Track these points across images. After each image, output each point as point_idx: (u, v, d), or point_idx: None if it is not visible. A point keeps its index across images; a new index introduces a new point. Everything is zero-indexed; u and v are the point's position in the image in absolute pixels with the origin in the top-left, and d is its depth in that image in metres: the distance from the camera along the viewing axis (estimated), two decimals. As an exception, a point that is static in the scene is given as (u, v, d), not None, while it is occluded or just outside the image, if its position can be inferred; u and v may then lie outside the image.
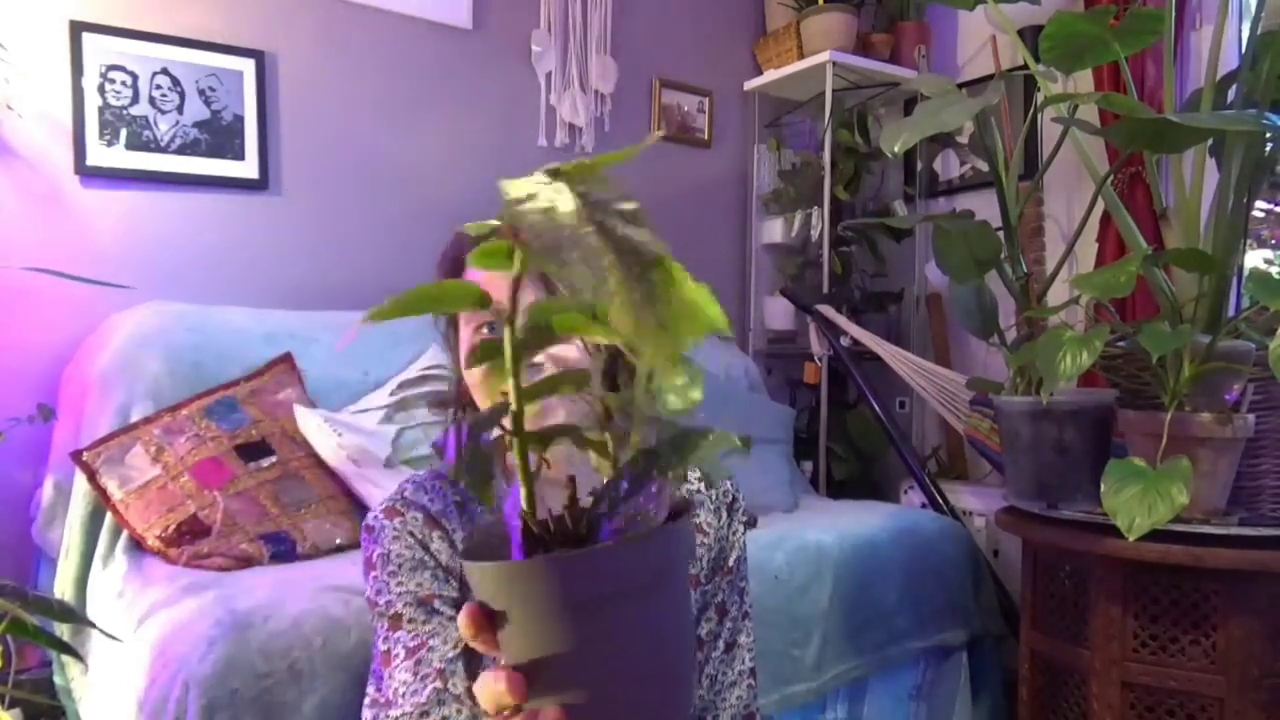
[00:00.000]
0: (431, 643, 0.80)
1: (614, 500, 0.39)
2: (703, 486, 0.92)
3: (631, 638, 0.38)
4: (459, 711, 0.78)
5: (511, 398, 0.38)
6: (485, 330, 0.79)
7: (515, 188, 0.32)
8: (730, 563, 0.92)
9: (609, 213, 0.31)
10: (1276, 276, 1.26)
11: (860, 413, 2.75)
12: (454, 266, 0.85)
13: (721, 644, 0.90)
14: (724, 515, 0.91)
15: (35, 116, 1.84)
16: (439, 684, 0.78)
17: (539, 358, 0.73)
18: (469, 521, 0.85)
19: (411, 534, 0.83)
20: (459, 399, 0.88)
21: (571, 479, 0.41)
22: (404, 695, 0.78)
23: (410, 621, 0.81)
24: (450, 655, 0.80)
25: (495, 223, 0.35)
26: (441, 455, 0.88)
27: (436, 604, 0.82)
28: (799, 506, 2.17)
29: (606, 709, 0.38)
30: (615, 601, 0.37)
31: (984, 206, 2.21)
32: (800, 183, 2.84)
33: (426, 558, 0.83)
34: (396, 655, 0.80)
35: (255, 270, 2.09)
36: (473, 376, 0.79)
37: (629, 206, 0.31)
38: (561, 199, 0.31)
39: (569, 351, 0.76)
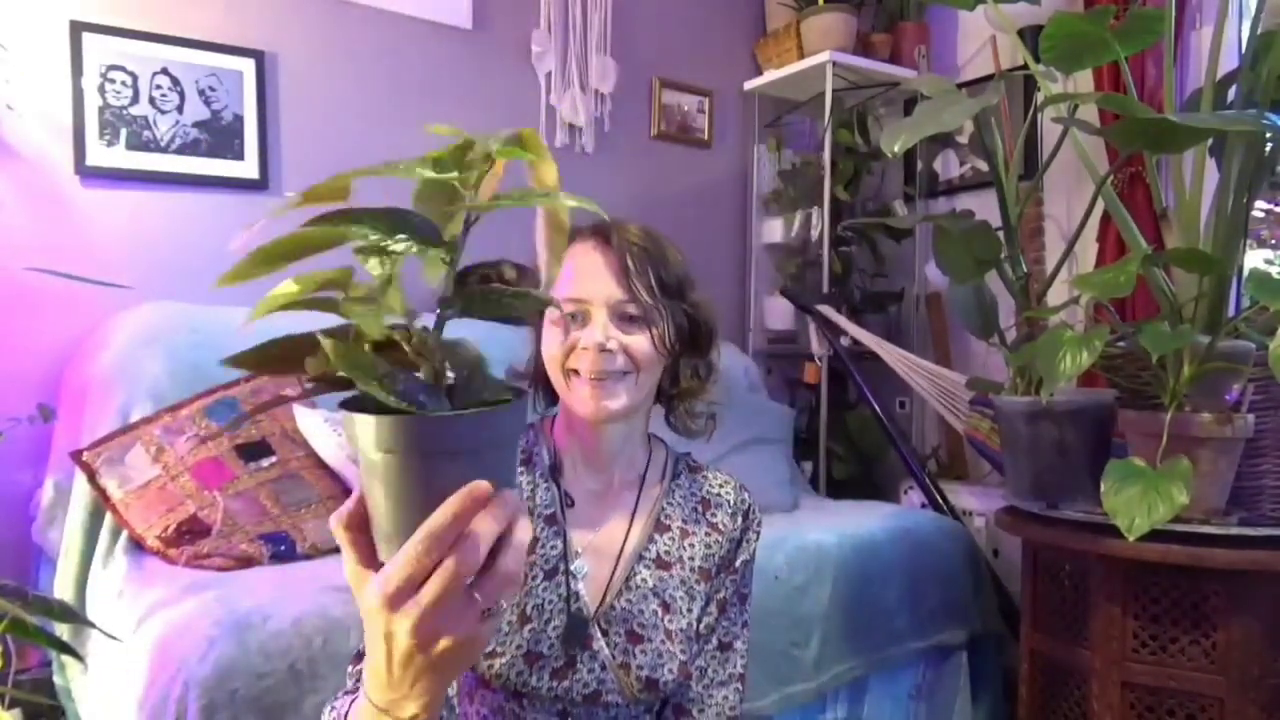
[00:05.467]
0: None
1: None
2: (726, 490, 1.01)
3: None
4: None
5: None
6: (566, 319, 0.93)
7: None
8: (736, 564, 0.98)
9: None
10: (1276, 276, 1.26)
11: (860, 413, 2.75)
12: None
13: (715, 640, 0.96)
14: (739, 520, 0.99)
15: (35, 116, 1.84)
16: None
17: (612, 345, 0.88)
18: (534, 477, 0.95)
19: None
20: (535, 376, 0.98)
21: None
22: None
23: None
24: None
25: None
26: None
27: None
28: (799, 506, 2.17)
29: None
30: (466, 456, 0.48)
31: (984, 206, 2.20)
32: (800, 183, 2.84)
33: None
34: None
35: (255, 270, 2.09)
36: (550, 354, 0.91)
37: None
38: None
39: (641, 344, 0.89)
